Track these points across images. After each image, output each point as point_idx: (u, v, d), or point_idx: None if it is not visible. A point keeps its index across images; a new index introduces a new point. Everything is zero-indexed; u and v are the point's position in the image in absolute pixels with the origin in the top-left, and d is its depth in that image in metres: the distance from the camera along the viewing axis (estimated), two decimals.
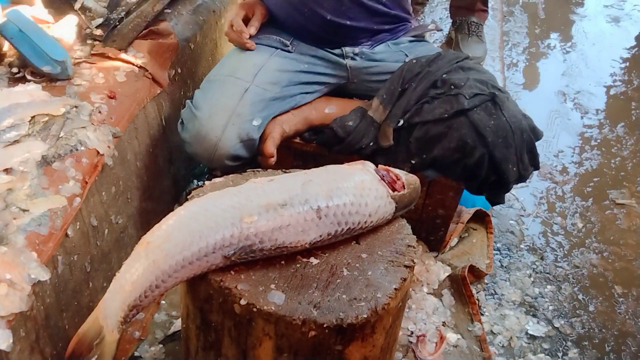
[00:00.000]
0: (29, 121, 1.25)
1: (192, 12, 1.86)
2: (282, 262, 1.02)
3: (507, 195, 2.10)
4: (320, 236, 1.02)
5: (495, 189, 1.51)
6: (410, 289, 1.57)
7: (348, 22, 1.57)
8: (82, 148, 1.26)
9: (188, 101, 1.53)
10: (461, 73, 1.48)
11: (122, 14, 1.62)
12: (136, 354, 1.39)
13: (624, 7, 3.67)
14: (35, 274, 1.03)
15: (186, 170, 1.87)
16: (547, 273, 1.84)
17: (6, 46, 1.43)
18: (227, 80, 1.52)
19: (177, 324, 1.45)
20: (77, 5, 1.59)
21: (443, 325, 1.53)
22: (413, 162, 1.48)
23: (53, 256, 1.11)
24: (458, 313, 1.60)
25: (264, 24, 1.65)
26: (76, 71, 1.43)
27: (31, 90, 1.34)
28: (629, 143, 2.47)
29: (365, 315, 0.95)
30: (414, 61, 1.54)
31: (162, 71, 1.63)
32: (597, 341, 1.64)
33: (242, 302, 0.94)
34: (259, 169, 1.23)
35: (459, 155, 1.44)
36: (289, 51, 1.60)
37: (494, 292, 1.73)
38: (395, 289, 1.00)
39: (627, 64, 3.11)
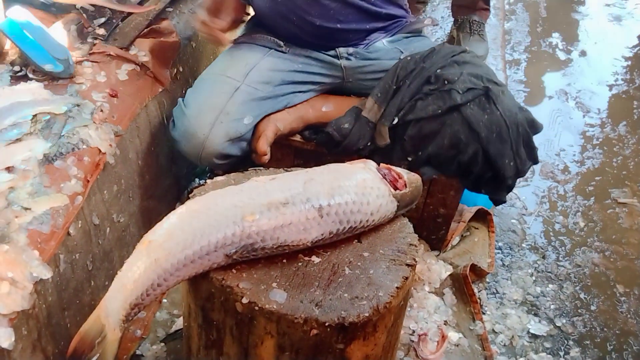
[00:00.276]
0: (31, 119, 1.25)
1: (194, 10, 1.86)
2: (284, 260, 1.02)
3: (509, 194, 2.11)
4: (322, 235, 1.02)
5: (494, 186, 1.49)
6: (412, 288, 1.57)
7: (339, 26, 1.55)
8: (84, 146, 1.26)
9: (180, 99, 1.54)
10: (455, 67, 1.46)
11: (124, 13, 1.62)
12: (138, 352, 1.40)
13: (626, 6, 3.67)
14: (37, 272, 1.03)
15: (188, 169, 1.87)
16: (549, 272, 1.84)
17: (8, 44, 1.43)
18: (218, 79, 1.53)
19: (179, 323, 1.45)
20: (78, 5, 1.59)
21: (445, 324, 1.53)
22: (409, 159, 1.47)
23: (55, 254, 1.11)
24: (460, 312, 1.60)
25: (257, 25, 1.64)
26: (78, 70, 1.43)
27: (33, 89, 1.34)
28: (630, 142, 2.47)
29: (367, 314, 0.95)
30: (408, 58, 1.53)
31: (164, 70, 1.63)
32: (598, 340, 1.64)
33: (244, 300, 0.94)
34: (261, 168, 1.23)
35: (453, 152, 1.43)
36: (283, 51, 1.59)
37: (495, 291, 1.73)
38: (397, 287, 1.00)
39: (629, 62, 3.10)
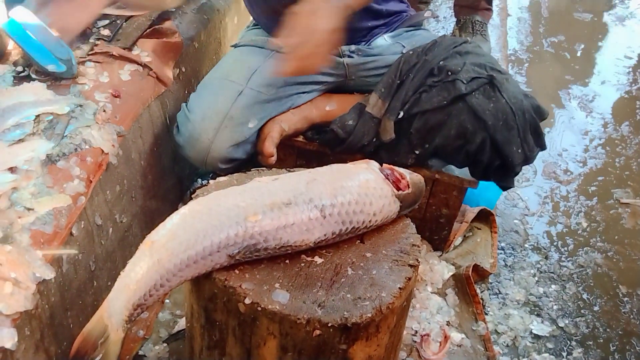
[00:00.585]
0: (34, 120, 1.25)
1: (197, 11, 1.86)
2: (287, 261, 1.02)
3: (512, 194, 2.11)
4: (325, 235, 1.01)
5: (502, 173, 1.47)
6: (415, 288, 1.57)
7: None
8: (87, 147, 1.26)
9: (183, 104, 1.54)
10: (458, 58, 1.44)
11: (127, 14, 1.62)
12: (140, 352, 1.40)
13: (629, 6, 3.66)
14: (40, 272, 1.03)
15: (190, 169, 1.87)
16: (552, 272, 1.83)
17: (11, 45, 1.43)
18: (221, 84, 1.53)
19: (182, 323, 1.45)
20: None
21: (447, 324, 1.53)
22: (417, 152, 1.47)
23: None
24: (462, 312, 1.60)
25: (258, 28, 1.65)
26: (80, 70, 1.43)
27: (36, 89, 1.34)
28: (633, 142, 2.47)
29: (369, 315, 0.95)
30: (411, 52, 1.52)
31: (167, 70, 1.63)
32: (601, 341, 1.64)
33: (247, 301, 0.94)
34: (264, 168, 1.23)
35: (461, 142, 1.42)
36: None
37: (498, 292, 1.73)
38: (399, 288, 1.00)
39: (632, 62, 3.10)
